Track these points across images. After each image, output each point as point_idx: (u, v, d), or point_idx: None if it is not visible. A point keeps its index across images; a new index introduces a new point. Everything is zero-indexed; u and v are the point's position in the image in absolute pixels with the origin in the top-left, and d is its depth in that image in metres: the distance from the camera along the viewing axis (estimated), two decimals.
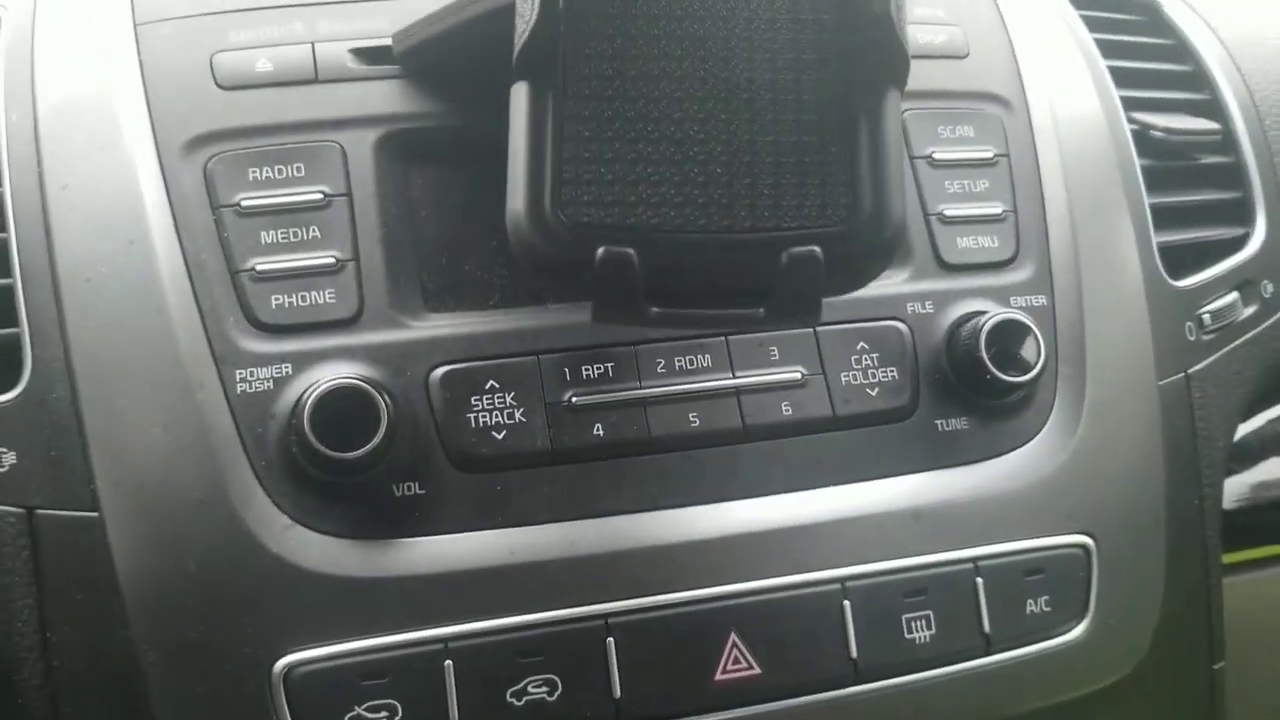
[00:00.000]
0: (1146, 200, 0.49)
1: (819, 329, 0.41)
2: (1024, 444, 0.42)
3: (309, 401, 0.35)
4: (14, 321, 0.38)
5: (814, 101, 0.32)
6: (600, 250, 0.31)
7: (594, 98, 0.31)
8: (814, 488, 0.40)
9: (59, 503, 0.37)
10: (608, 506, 0.38)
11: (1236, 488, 0.55)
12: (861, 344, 0.42)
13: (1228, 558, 0.53)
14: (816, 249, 0.31)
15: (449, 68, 0.41)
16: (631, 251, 0.31)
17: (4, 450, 0.37)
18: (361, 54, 0.42)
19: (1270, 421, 0.56)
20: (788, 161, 0.32)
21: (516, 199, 0.31)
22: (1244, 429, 0.54)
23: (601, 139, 0.31)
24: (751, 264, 0.32)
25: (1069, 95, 0.48)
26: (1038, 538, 0.41)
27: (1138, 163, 0.49)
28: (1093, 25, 0.54)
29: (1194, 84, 0.55)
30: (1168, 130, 0.50)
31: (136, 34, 0.41)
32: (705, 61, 0.31)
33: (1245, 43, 0.57)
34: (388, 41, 0.42)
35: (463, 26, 0.39)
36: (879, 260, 0.33)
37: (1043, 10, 0.51)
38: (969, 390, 0.42)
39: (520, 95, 0.32)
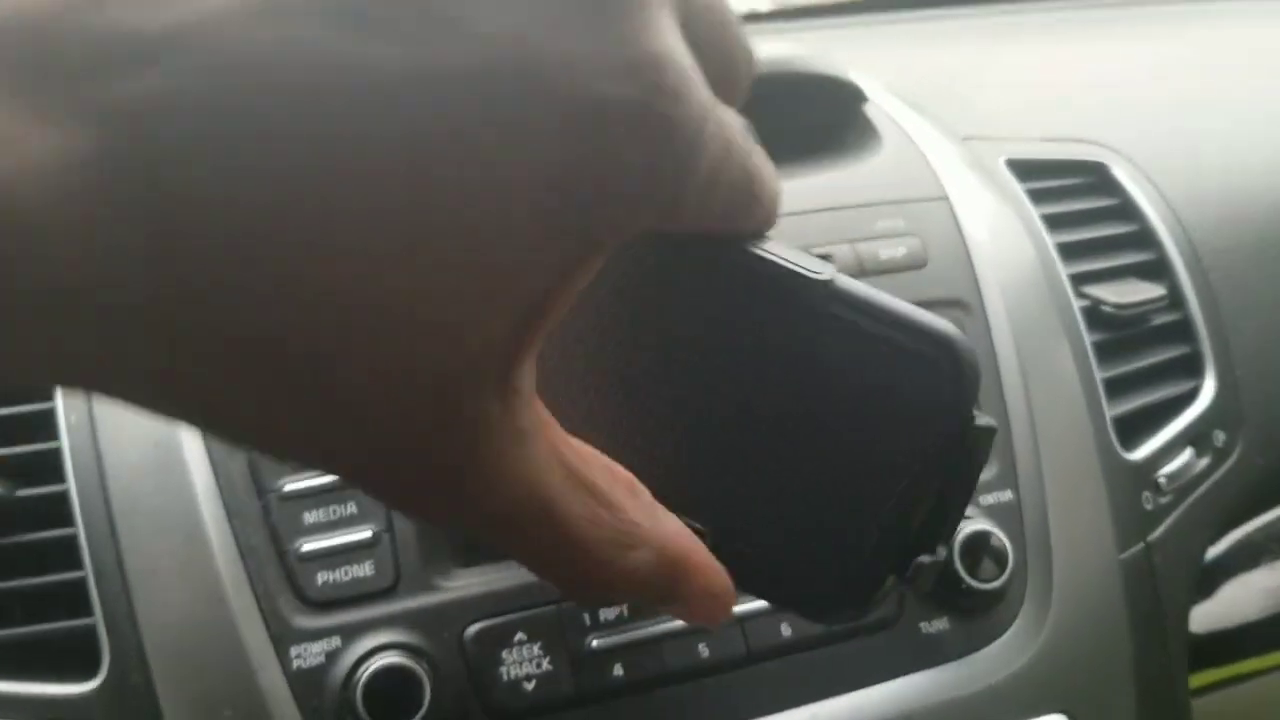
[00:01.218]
0: (1099, 376, 0.53)
1: None
2: (1000, 635, 0.47)
3: (360, 683, 0.40)
4: (90, 612, 0.43)
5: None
6: None
7: None
8: (813, 701, 0.45)
9: None
10: None
11: (1202, 614, 0.60)
12: None
13: (1197, 679, 0.58)
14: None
15: None
16: None
17: None
18: None
19: (1231, 547, 0.61)
20: None
21: None
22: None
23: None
24: None
25: (1021, 286, 0.53)
26: None
27: (1088, 340, 0.54)
28: (1038, 198, 0.58)
29: (1140, 244, 0.59)
30: (1118, 306, 0.54)
31: None
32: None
33: (1187, 196, 0.61)
34: None
35: None
36: None
37: (991, 202, 0.55)
38: (948, 594, 0.46)
39: None
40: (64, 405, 0.45)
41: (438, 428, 0.21)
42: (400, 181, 0.18)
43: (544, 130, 0.18)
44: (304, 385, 0.19)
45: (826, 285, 0.31)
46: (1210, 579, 0.60)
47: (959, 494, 0.31)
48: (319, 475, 0.43)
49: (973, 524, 0.46)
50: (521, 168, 0.18)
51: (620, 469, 0.28)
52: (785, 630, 0.45)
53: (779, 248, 0.31)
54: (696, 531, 0.30)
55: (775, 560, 0.31)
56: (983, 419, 0.30)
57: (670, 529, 0.28)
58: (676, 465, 0.32)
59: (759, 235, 0.30)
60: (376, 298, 0.19)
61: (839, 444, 0.31)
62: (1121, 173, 0.61)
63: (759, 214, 0.27)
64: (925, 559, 0.30)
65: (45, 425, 0.45)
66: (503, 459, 0.22)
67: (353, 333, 0.19)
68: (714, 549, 0.30)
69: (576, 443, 0.27)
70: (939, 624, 0.46)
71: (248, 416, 0.20)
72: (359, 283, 0.18)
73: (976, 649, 0.47)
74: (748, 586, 0.32)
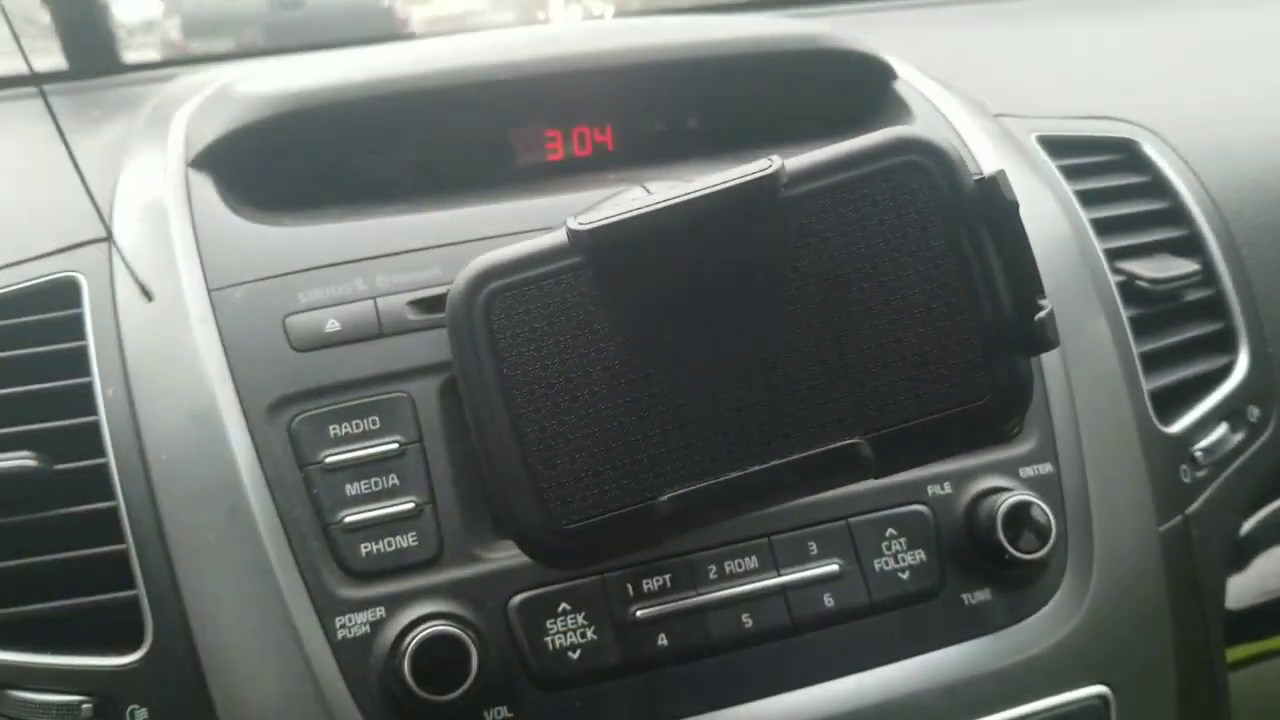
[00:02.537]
0: (1135, 350, 0.53)
1: (851, 520, 0.46)
2: (1042, 607, 0.47)
3: (408, 651, 0.40)
4: (131, 585, 0.43)
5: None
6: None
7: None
8: (857, 672, 0.44)
9: None
10: (676, 711, 0.43)
11: (1236, 588, 0.59)
12: (890, 530, 0.46)
13: (1232, 654, 0.58)
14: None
15: None
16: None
17: (138, 707, 0.41)
18: (419, 305, 0.46)
19: (1265, 520, 0.60)
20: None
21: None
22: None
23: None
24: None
25: (1057, 261, 0.53)
26: (1061, 693, 0.46)
27: (1125, 315, 0.54)
28: (1071, 174, 0.58)
29: (1173, 220, 0.59)
30: (1153, 281, 0.54)
31: (212, 301, 0.46)
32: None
33: (1218, 172, 0.61)
34: (442, 290, 0.46)
35: None
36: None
37: (1026, 179, 0.55)
38: (990, 565, 0.46)
39: None
40: (101, 379, 0.45)
41: None
42: None
43: None
44: None
45: (777, 174, 0.33)
46: (1242, 554, 0.59)
47: (1018, 247, 0.33)
48: (360, 447, 0.43)
49: (1014, 495, 0.45)
50: None
51: None
52: (828, 600, 0.44)
53: (712, 180, 0.33)
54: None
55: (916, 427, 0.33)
56: (982, 174, 0.33)
57: None
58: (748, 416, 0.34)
59: None
60: None
61: (890, 293, 0.33)
62: (1152, 149, 0.61)
63: None
64: (1041, 313, 0.32)
65: (83, 400, 0.45)
66: None
67: None
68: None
69: None
70: (981, 595, 0.46)
71: None
72: None
73: (1019, 620, 0.46)
74: (906, 461, 0.34)
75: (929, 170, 0.33)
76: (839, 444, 0.33)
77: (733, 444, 0.34)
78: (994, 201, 0.32)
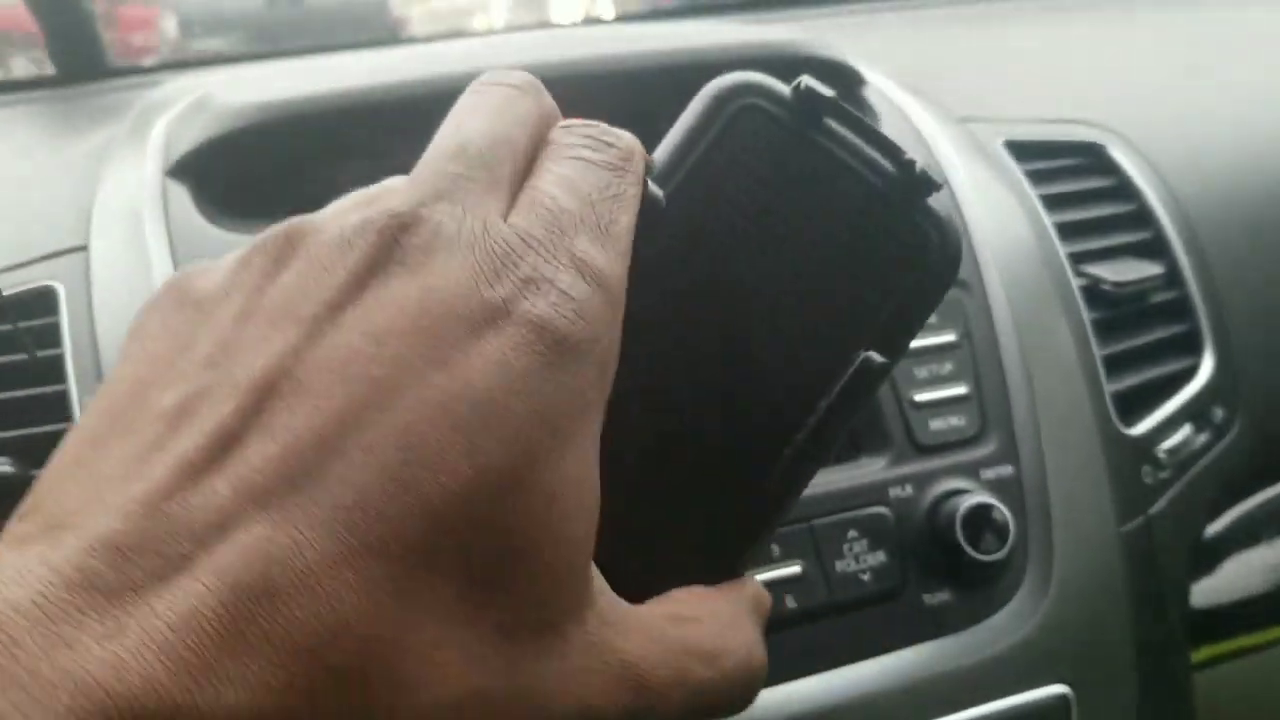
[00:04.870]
0: (1098, 353, 0.54)
1: (814, 523, 0.46)
2: (1003, 607, 0.48)
3: None
4: None
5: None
6: None
7: None
8: (818, 671, 0.45)
9: None
10: None
11: (1204, 590, 0.60)
12: (852, 532, 0.47)
13: (1198, 654, 0.59)
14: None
15: None
16: None
17: None
18: None
19: (1231, 523, 0.61)
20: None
21: None
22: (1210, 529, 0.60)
23: None
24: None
25: (1020, 265, 0.53)
26: (1022, 693, 0.47)
27: (1088, 318, 0.54)
28: (1037, 178, 0.59)
29: (1138, 223, 0.60)
30: (1116, 284, 0.55)
31: None
32: None
33: (1185, 175, 0.62)
34: None
35: None
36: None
37: (990, 183, 0.56)
38: (950, 566, 0.47)
39: None
40: (77, 387, 0.46)
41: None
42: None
43: None
44: None
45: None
46: (1212, 555, 0.60)
47: (860, 126, 0.31)
48: None
49: (974, 497, 0.46)
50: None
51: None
52: (790, 602, 0.45)
53: None
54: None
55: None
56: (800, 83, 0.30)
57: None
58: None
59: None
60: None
61: (808, 221, 0.31)
62: (1119, 153, 0.62)
63: None
64: (914, 161, 0.30)
65: (59, 407, 0.46)
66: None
67: None
68: None
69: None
70: (941, 596, 0.47)
71: None
72: None
73: (979, 620, 0.47)
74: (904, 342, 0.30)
75: (762, 106, 0.31)
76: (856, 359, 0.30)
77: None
78: (819, 99, 0.31)
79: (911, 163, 0.31)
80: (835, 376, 0.30)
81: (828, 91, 0.31)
